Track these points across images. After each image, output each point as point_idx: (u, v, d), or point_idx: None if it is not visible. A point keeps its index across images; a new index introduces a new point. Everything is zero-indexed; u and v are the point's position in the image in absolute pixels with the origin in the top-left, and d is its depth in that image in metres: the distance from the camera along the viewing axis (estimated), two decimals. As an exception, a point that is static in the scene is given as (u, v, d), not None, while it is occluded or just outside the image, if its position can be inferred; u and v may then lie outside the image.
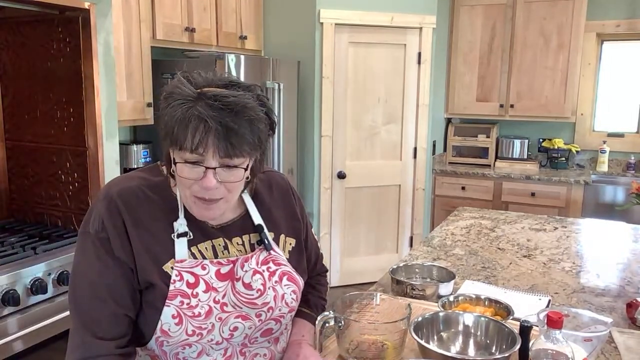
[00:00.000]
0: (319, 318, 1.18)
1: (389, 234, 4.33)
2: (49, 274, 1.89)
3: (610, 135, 4.62)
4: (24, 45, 2.27)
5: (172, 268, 1.03)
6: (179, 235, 1.05)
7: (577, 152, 4.62)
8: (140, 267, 1.02)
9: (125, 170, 2.73)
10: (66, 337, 1.04)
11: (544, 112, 4.45)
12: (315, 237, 1.34)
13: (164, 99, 1.00)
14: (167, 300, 1.01)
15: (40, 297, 1.86)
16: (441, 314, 1.28)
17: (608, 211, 4.13)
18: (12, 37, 2.29)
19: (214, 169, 0.97)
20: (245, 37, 3.62)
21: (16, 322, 1.77)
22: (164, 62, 3.01)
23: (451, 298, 1.44)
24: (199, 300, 1.03)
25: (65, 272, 1.92)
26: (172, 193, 1.08)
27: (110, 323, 1.01)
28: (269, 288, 1.10)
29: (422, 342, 1.13)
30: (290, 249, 1.19)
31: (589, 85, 4.62)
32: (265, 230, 1.14)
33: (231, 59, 3.04)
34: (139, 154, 2.89)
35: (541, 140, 4.74)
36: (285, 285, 1.12)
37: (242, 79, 3.13)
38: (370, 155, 4.15)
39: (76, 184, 2.25)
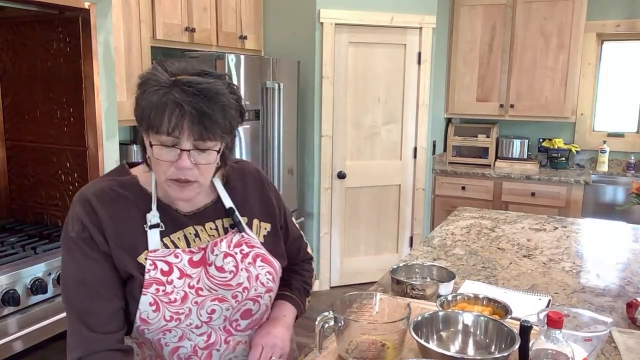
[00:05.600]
0: (318, 319, 1.18)
1: (389, 234, 4.33)
2: (49, 274, 1.89)
3: (610, 135, 4.61)
4: (24, 45, 2.27)
5: (145, 259, 1.06)
6: (152, 227, 1.09)
7: (577, 152, 4.62)
8: (118, 260, 1.05)
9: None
10: (66, 337, 1.04)
11: (544, 112, 4.45)
12: (297, 225, 1.37)
13: (139, 85, 1.04)
14: (143, 289, 1.05)
15: (40, 297, 1.86)
16: (440, 313, 1.28)
17: (608, 211, 4.13)
18: (12, 37, 2.29)
19: (189, 150, 1.01)
20: (245, 37, 3.62)
21: (16, 322, 1.78)
22: (164, 62, 3.00)
23: (449, 297, 1.44)
24: (174, 286, 1.07)
25: (65, 272, 1.92)
26: (142, 188, 1.12)
27: (108, 317, 1.03)
28: (241, 269, 1.13)
29: (422, 342, 1.13)
30: (266, 233, 1.22)
31: (589, 85, 4.62)
32: (237, 213, 1.18)
33: (231, 59, 3.04)
34: (139, 154, 2.88)
35: (541, 140, 4.74)
36: (259, 266, 1.15)
37: (242, 78, 3.15)
38: (370, 155, 4.15)
39: (76, 184, 2.25)
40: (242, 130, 3.20)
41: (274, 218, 1.25)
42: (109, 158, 2.25)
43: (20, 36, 2.26)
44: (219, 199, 1.18)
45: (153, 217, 1.09)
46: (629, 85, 4.56)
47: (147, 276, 1.05)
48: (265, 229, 1.23)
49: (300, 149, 3.93)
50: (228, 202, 1.18)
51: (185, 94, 0.98)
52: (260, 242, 1.19)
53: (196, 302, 1.08)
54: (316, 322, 1.18)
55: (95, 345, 1.01)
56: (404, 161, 4.25)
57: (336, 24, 3.83)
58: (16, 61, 2.30)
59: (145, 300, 1.04)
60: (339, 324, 1.18)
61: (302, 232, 1.39)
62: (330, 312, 1.18)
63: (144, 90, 1.02)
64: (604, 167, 4.50)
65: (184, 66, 1.05)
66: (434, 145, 4.59)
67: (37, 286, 1.83)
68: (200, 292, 1.09)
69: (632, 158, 4.45)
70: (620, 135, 4.59)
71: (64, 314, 1.85)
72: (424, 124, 4.22)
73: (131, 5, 2.65)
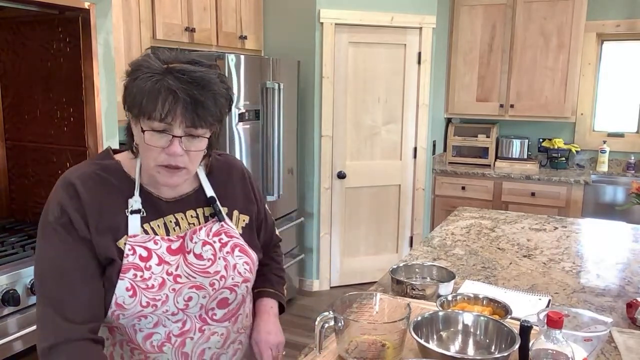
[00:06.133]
0: (318, 319, 1.18)
1: (389, 234, 4.33)
2: (49, 274, 1.89)
3: (610, 135, 4.61)
4: (24, 45, 2.27)
5: (125, 244, 1.07)
6: (133, 212, 1.09)
7: (577, 152, 4.62)
8: (99, 244, 1.05)
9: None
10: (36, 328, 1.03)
11: (543, 112, 4.45)
12: (269, 211, 1.41)
13: (131, 72, 1.04)
14: (120, 274, 1.05)
15: (40, 297, 1.86)
16: (440, 313, 1.28)
17: (608, 211, 4.13)
18: (12, 37, 2.29)
19: (180, 137, 1.03)
20: (245, 37, 3.62)
21: (16, 322, 1.78)
22: (164, 62, 3.00)
23: (449, 297, 1.44)
24: (152, 272, 1.08)
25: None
26: (125, 173, 1.12)
27: (84, 306, 1.02)
28: (219, 258, 1.15)
29: (422, 342, 1.13)
30: (244, 225, 1.25)
31: (589, 85, 4.62)
32: (218, 202, 1.20)
33: (231, 59, 3.04)
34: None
35: (541, 140, 4.74)
36: (237, 256, 1.17)
37: (242, 78, 3.15)
38: (370, 155, 4.16)
39: (76, 184, 2.25)
40: (242, 130, 3.20)
41: (252, 213, 1.28)
42: (109, 158, 2.24)
43: (20, 36, 2.26)
44: (200, 187, 1.20)
45: (135, 202, 1.10)
46: (629, 85, 4.56)
47: (125, 261, 1.06)
48: (244, 221, 1.25)
49: (300, 149, 3.93)
50: (209, 192, 1.20)
51: (179, 81, 1.00)
52: (239, 233, 1.21)
53: (174, 289, 1.09)
54: (316, 322, 1.18)
55: (67, 334, 0.99)
56: (404, 161, 4.25)
57: (336, 24, 3.83)
58: (16, 61, 2.30)
59: (122, 285, 1.04)
60: (339, 324, 1.17)
61: (272, 217, 1.43)
62: (330, 312, 1.18)
63: (136, 77, 1.02)
64: (604, 167, 4.50)
65: (175, 55, 1.06)
66: (434, 145, 4.59)
67: (37, 286, 1.83)
68: (178, 279, 1.10)
69: (632, 158, 4.45)
70: (620, 135, 4.59)
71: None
72: (424, 124, 4.22)
73: (131, 5, 2.65)
